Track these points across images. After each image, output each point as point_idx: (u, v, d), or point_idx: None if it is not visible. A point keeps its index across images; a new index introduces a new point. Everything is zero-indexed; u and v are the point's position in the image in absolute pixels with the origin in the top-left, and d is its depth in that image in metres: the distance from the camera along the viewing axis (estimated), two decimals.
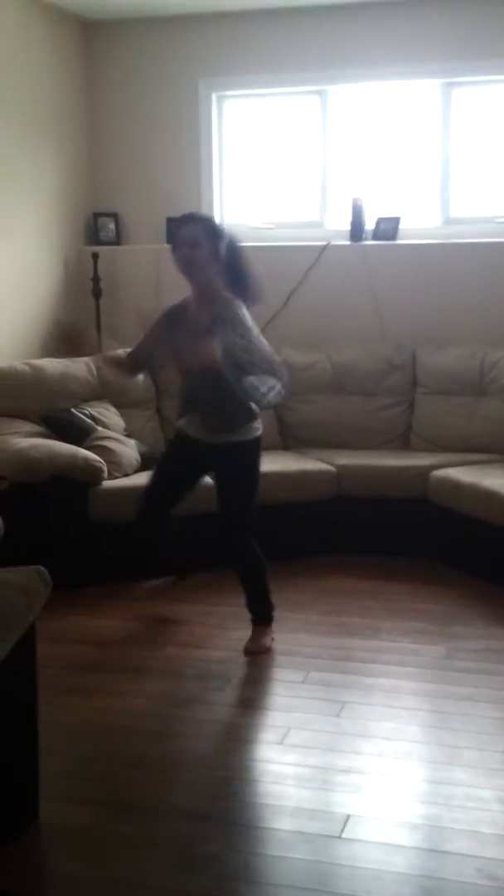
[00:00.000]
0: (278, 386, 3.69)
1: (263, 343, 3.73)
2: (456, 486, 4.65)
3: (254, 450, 3.81)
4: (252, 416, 3.76)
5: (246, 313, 3.70)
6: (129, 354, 4.06)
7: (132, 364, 4.07)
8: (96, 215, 5.99)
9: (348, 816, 2.75)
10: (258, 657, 3.80)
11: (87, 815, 2.77)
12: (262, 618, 3.93)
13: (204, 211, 3.98)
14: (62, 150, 5.73)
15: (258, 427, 3.79)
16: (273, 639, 3.91)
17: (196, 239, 3.68)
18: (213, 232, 3.72)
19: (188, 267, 3.71)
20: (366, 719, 3.32)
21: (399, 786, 2.93)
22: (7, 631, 2.42)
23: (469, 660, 3.76)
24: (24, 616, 2.50)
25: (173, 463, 4.01)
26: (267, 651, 3.84)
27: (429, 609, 4.26)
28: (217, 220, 3.81)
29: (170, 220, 5.87)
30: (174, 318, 3.83)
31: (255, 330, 3.71)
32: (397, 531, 4.85)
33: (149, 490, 4.03)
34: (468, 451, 5.05)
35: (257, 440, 3.80)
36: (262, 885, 2.47)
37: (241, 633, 3.97)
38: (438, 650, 3.86)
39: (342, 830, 2.68)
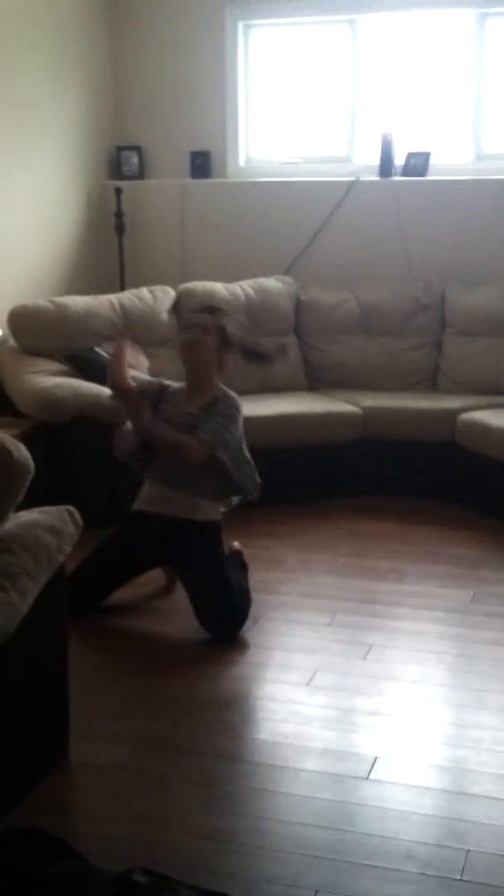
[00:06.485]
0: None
1: (244, 455, 3.62)
2: (485, 430, 4.58)
3: (215, 531, 3.62)
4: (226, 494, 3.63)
5: (241, 417, 3.63)
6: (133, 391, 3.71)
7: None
8: (119, 149, 5.87)
9: (376, 758, 2.75)
10: (285, 599, 3.79)
11: (116, 754, 2.79)
12: None
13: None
14: (85, 81, 5.60)
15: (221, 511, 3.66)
16: None
17: (208, 326, 3.61)
18: (225, 334, 3.63)
19: (192, 352, 3.62)
20: (392, 662, 3.32)
21: (426, 729, 2.93)
22: (38, 570, 2.40)
23: (497, 604, 3.74)
24: (54, 557, 2.48)
25: (126, 551, 3.69)
26: None
27: (456, 553, 4.23)
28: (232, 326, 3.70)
29: (194, 154, 5.77)
30: (166, 397, 3.67)
31: (242, 439, 3.63)
32: (424, 475, 4.81)
33: (94, 578, 3.65)
34: (498, 394, 4.97)
35: (218, 523, 3.64)
36: (290, 824, 2.48)
37: (265, 574, 3.96)
38: (466, 594, 3.83)
39: (370, 772, 2.69)
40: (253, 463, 3.66)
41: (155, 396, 3.70)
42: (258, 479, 3.65)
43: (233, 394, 3.68)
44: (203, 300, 3.95)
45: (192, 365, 3.66)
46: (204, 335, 3.62)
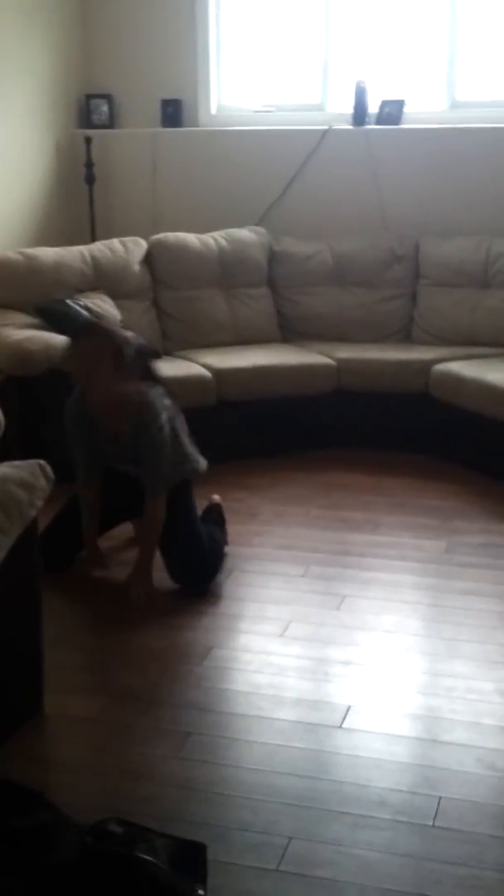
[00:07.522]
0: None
1: (181, 441, 3.45)
2: (458, 381, 4.58)
3: (184, 486, 3.51)
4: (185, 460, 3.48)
5: (164, 402, 3.38)
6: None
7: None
8: (89, 97, 5.75)
9: (349, 707, 2.77)
10: (259, 551, 3.79)
11: (90, 706, 2.79)
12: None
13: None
14: (53, 28, 5.46)
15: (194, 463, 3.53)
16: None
17: (92, 356, 3.31)
18: (114, 346, 3.32)
19: (86, 384, 3.36)
20: (366, 613, 3.33)
21: (399, 678, 2.95)
22: (9, 525, 2.38)
23: (470, 554, 3.76)
24: (25, 511, 2.45)
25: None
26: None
27: (430, 504, 4.24)
28: (112, 327, 3.50)
29: (165, 102, 5.66)
30: (82, 422, 3.46)
31: (170, 424, 3.37)
32: (398, 426, 4.80)
33: (65, 535, 3.58)
34: (472, 345, 4.95)
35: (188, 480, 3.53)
36: (264, 773, 2.50)
37: (240, 527, 3.95)
38: (439, 545, 3.85)
39: (343, 721, 2.71)
40: (190, 444, 3.52)
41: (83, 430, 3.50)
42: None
43: (150, 398, 3.34)
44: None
45: (96, 394, 3.38)
46: (94, 366, 3.32)
